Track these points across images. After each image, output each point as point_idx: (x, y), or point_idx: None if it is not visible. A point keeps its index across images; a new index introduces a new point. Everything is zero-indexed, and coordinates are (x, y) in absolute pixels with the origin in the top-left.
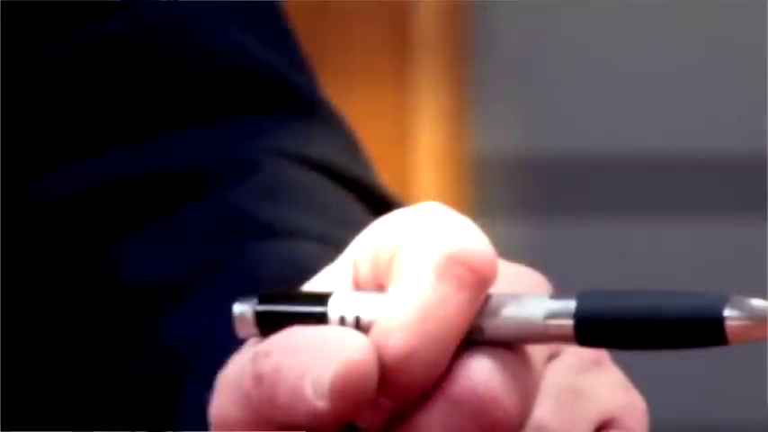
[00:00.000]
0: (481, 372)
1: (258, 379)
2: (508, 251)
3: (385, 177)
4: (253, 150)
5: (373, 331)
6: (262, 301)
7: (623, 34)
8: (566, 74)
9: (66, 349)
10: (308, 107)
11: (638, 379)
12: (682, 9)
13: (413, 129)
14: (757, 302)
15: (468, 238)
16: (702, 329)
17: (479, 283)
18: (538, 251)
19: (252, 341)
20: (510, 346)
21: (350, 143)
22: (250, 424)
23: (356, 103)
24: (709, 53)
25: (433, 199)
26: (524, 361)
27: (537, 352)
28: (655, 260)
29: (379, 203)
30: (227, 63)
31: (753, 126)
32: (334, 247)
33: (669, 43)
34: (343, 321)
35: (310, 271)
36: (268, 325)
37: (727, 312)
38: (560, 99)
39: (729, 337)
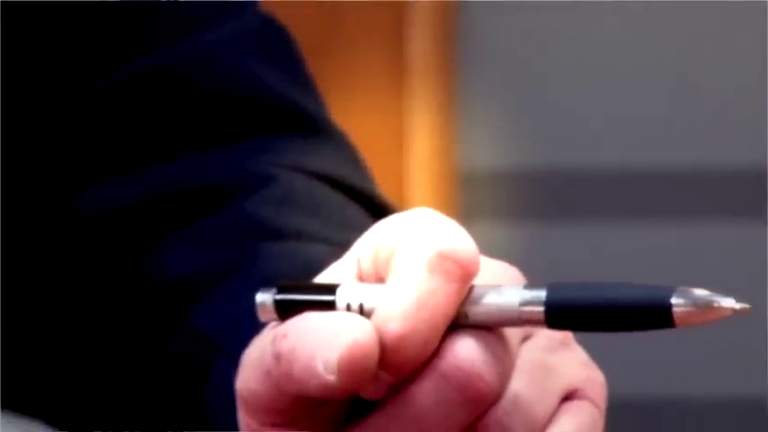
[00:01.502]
0: (466, 351)
1: (277, 357)
2: (490, 250)
3: (382, 187)
4: (268, 166)
5: (375, 316)
6: (280, 291)
7: (609, 52)
8: (545, 96)
9: (110, 336)
10: (315, 127)
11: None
12: (666, 25)
13: (408, 144)
14: (700, 292)
15: (455, 237)
16: (653, 315)
17: (465, 276)
18: (517, 251)
19: (271, 325)
20: (490, 329)
21: (352, 157)
22: (271, 395)
23: (357, 121)
24: (698, 64)
25: (425, 206)
26: (502, 342)
27: (513, 334)
28: (630, 263)
29: (377, 209)
30: (248, 92)
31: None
32: (338, 247)
33: (655, 57)
34: (349, 308)
35: (316, 267)
36: (285, 311)
37: (674, 300)
38: (539, 118)
39: (676, 321)
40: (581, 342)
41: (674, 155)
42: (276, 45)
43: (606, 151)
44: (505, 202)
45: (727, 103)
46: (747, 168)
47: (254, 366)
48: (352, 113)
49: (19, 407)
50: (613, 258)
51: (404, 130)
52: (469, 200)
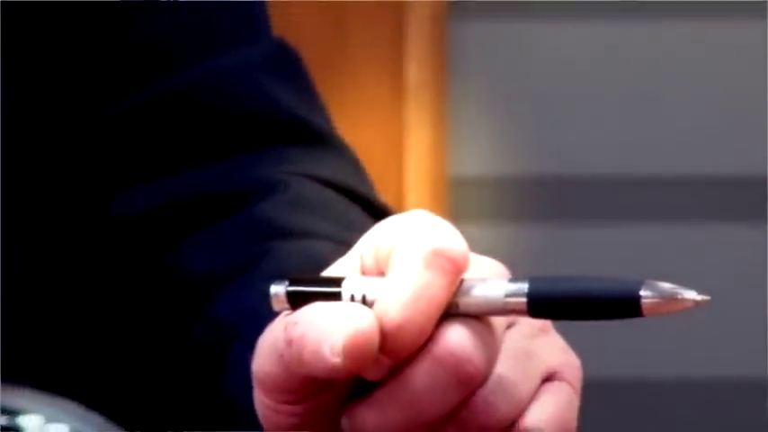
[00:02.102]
0: (457, 337)
1: (289, 343)
2: (478, 249)
3: (382, 192)
4: (281, 173)
5: (376, 306)
6: (291, 284)
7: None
8: (531, 109)
9: (136, 325)
10: (322, 139)
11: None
12: (655, 35)
13: (404, 154)
14: (666, 285)
15: (447, 237)
16: (624, 306)
17: (456, 271)
18: (502, 249)
19: (283, 314)
20: (478, 317)
21: (354, 166)
22: (283, 377)
23: (360, 133)
24: (689, 71)
25: (420, 208)
26: (489, 329)
27: (498, 322)
28: (617, 267)
29: (377, 212)
30: (263, 109)
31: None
32: (343, 245)
33: (647, 67)
34: (353, 299)
35: (324, 263)
36: (296, 301)
37: (642, 293)
38: (525, 130)
39: (644, 311)
40: (559, 330)
41: (658, 163)
42: (288, 67)
43: (595, 159)
44: (492, 205)
45: (726, 108)
46: (748, 174)
47: (268, 351)
48: (355, 127)
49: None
50: (598, 261)
51: (401, 142)
52: (459, 203)
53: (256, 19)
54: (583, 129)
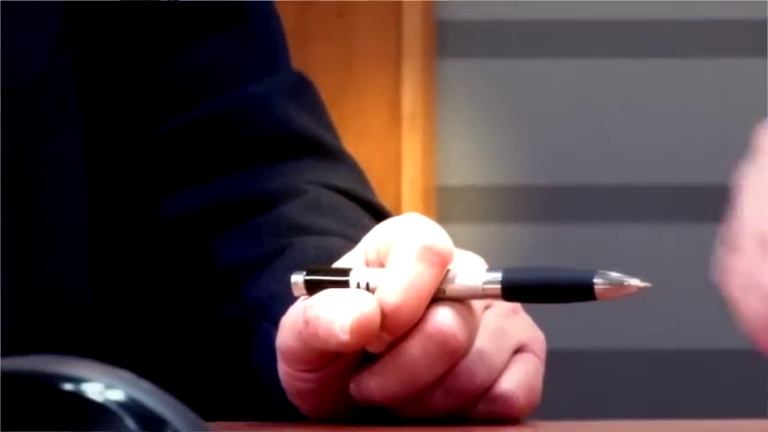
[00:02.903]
0: (443, 317)
1: (306, 322)
2: (460, 246)
3: (382, 198)
4: (300, 182)
5: (377, 292)
6: (308, 273)
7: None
8: (508, 126)
9: (180, 308)
10: (334, 155)
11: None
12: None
13: (401, 169)
14: (614, 274)
15: (436, 235)
16: (580, 291)
17: (443, 263)
18: (482, 246)
19: (302, 298)
20: (461, 301)
21: (360, 177)
22: (302, 350)
23: (365, 151)
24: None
25: (414, 212)
26: (470, 310)
27: (478, 305)
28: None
29: (379, 214)
30: (285, 129)
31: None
32: (351, 241)
33: (630, 82)
34: (358, 286)
35: (335, 255)
36: (312, 288)
37: (595, 280)
38: (504, 144)
39: (597, 295)
40: (528, 310)
41: (642, 171)
42: (304, 94)
43: (561, 169)
44: (472, 209)
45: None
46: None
47: (289, 328)
48: (361, 146)
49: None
50: (564, 256)
51: (398, 159)
52: (445, 207)
53: (278, 53)
54: (552, 146)
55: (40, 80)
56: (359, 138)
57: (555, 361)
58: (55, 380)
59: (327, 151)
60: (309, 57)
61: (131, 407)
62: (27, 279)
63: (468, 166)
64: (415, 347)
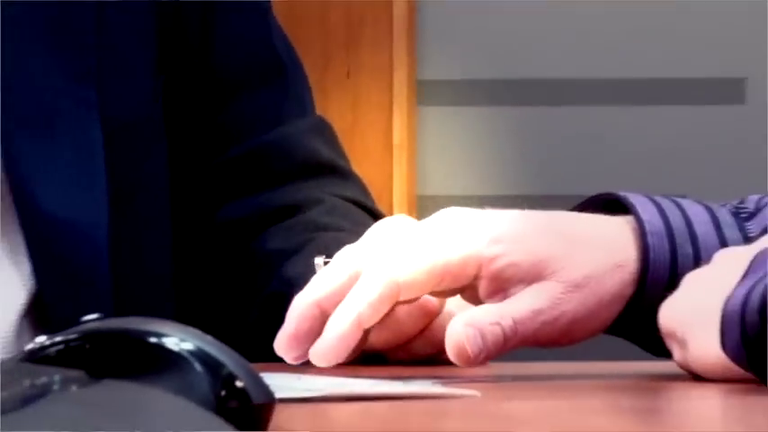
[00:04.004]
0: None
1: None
2: None
3: (379, 205)
4: (321, 194)
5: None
6: (327, 257)
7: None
8: (471, 168)
9: (232, 288)
10: (345, 175)
11: None
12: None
13: (392, 184)
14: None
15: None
16: None
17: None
18: None
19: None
20: None
21: (365, 190)
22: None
23: (367, 173)
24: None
25: (401, 214)
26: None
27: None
28: None
29: (377, 216)
30: (311, 158)
31: None
32: (356, 236)
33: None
34: None
35: (344, 246)
36: None
37: None
38: (471, 173)
39: None
40: None
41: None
42: (325, 132)
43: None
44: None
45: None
46: None
47: None
48: (363, 167)
49: None
50: None
51: (390, 177)
52: (425, 212)
53: (305, 101)
54: (515, 161)
55: (140, 122)
56: (362, 161)
57: None
58: (143, 335)
59: (340, 172)
60: (327, 105)
61: (199, 354)
62: (128, 267)
63: (441, 181)
64: (403, 310)
